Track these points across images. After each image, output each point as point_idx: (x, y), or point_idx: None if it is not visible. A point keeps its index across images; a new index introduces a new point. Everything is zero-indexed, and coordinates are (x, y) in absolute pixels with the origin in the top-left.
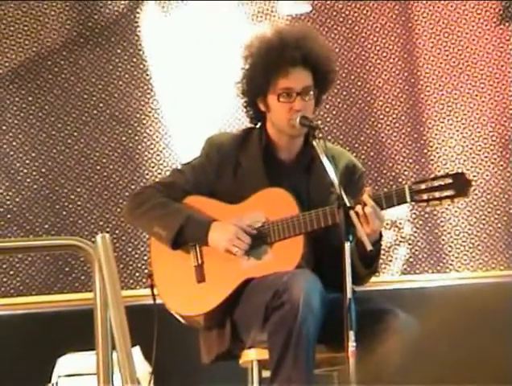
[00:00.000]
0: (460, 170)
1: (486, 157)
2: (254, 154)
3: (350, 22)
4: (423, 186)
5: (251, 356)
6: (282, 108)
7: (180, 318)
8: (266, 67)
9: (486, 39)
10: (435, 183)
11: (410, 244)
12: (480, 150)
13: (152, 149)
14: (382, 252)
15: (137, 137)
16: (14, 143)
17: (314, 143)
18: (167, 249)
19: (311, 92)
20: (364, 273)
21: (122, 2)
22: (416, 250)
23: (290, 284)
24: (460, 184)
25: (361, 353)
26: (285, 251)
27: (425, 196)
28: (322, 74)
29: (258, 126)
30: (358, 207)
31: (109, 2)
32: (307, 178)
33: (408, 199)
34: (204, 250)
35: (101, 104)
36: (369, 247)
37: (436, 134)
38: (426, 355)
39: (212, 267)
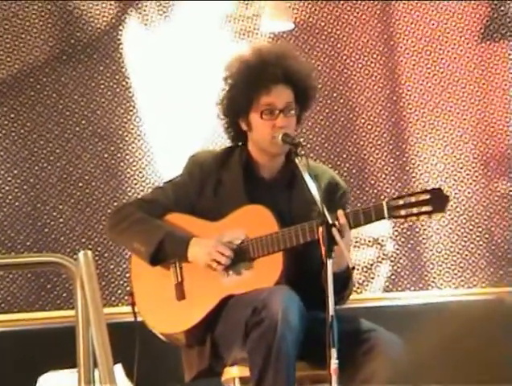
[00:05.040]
0: (437, 186)
1: (468, 174)
2: (235, 172)
3: (332, 40)
4: (400, 202)
5: (233, 373)
6: (264, 125)
7: (161, 336)
8: (248, 85)
9: (468, 56)
10: (413, 199)
11: (392, 262)
12: (461, 168)
13: (135, 166)
14: (365, 269)
15: (119, 154)
16: None
17: (296, 160)
18: (147, 267)
19: (293, 109)
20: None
21: (105, 20)
22: (398, 267)
23: (268, 300)
24: (437, 200)
25: (346, 373)
26: (265, 267)
27: (403, 212)
28: (303, 91)
29: (239, 144)
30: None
31: (92, 20)
32: (289, 195)
33: (386, 215)
34: (184, 267)
35: (83, 121)
36: (350, 264)
37: (418, 152)
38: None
39: (192, 284)
